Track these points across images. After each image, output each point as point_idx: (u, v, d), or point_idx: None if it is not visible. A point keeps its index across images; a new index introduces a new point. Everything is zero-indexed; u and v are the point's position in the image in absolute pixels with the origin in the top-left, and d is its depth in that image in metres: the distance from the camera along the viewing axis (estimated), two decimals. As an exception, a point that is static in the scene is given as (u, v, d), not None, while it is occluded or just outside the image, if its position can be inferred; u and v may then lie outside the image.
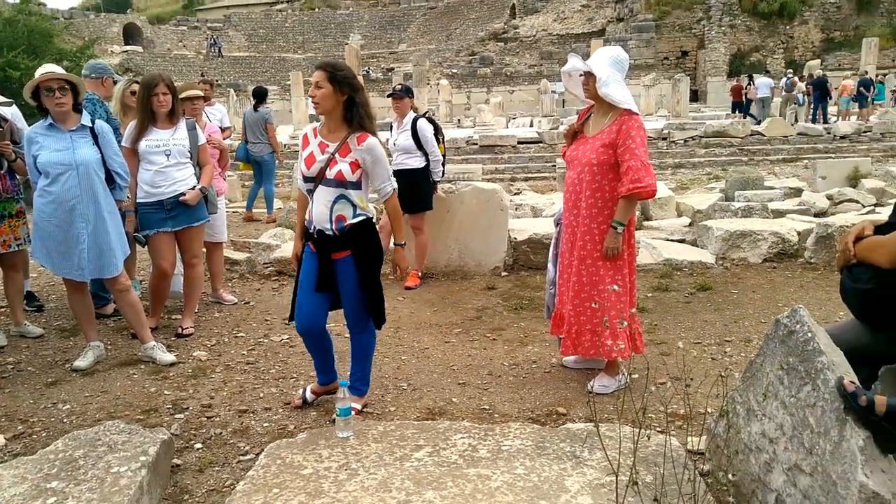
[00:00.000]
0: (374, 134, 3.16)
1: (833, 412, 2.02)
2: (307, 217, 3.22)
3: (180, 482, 2.80)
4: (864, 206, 8.71)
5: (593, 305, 3.46)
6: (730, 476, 2.44)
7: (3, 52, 19.94)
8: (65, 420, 3.38)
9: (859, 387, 2.02)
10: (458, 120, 27.67)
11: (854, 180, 11.08)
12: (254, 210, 9.58)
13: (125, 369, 4.00)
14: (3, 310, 5.02)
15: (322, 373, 3.41)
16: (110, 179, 4.03)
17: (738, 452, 2.42)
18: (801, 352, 2.17)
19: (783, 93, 23.70)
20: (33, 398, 3.64)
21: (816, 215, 7.82)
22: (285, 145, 18.28)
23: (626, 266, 3.50)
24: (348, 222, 3.13)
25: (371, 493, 2.52)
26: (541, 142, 18.39)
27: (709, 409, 2.90)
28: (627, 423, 2.87)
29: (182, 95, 4.87)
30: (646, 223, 8.02)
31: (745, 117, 22.11)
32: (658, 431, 2.96)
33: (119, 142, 4.30)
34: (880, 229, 2.35)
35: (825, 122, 21.44)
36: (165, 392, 3.68)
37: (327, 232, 3.12)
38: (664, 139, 18.37)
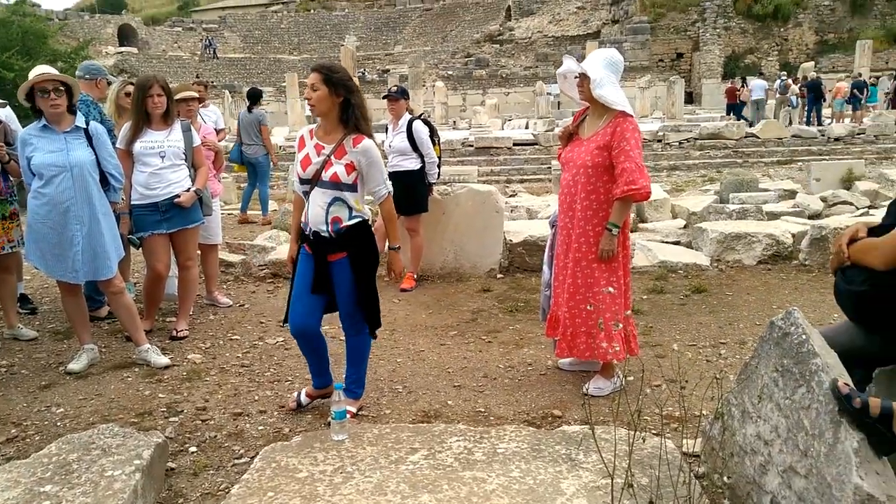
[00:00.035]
0: (370, 136, 3.16)
1: (827, 414, 2.02)
2: (303, 219, 3.22)
3: (175, 486, 2.78)
4: (858, 209, 8.74)
5: (588, 307, 3.46)
6: (725, 478, 2.44)
7: (-3, 53, 19.88)
8: (58, 423, 3.36)
9: (853, 389, 2.02)
10: (454, 122, 27.69)
11: (848, 182, 11.12)
12: (248, 212, 9.56)
13: (119, 372, 3.98)
14: (-4, 312, 5.00)
15: (317, 376, 3.40)
16: (105, 181, 4.02)
17: (733, 455, 2.42)
18: (795, 354, 2.18)
19: (777, 95, 23.80)
20: (27, 401, 3.62)
21: (811, 217, 7.85)
22: (280, 147, 18.27)
23: (620, 268, 3.51)
24: (344, 224, 3.12)
25: (366, 496, 2.51)
26: (536, 144, 18.42)
27: (704, 412, 2.90)
28: (623, 425, 2.87)
29: (177, 97, 4.85)
30: (641, 225, 8.03)
31: (738, 119, 22.19)
32: (653, 434, 2.96)
33: (113, 143, 4.29)
34: (874, 231, 2.36)
35: (819, 124, 21.54)
36: (160, 395, 3.66)
37: (323, 234, 3.12)
38: (659, 141, 18.42)
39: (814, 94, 22.35)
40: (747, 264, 6.05)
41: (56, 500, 2.37)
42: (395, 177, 5.56)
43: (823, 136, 18.57)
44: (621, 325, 3.50)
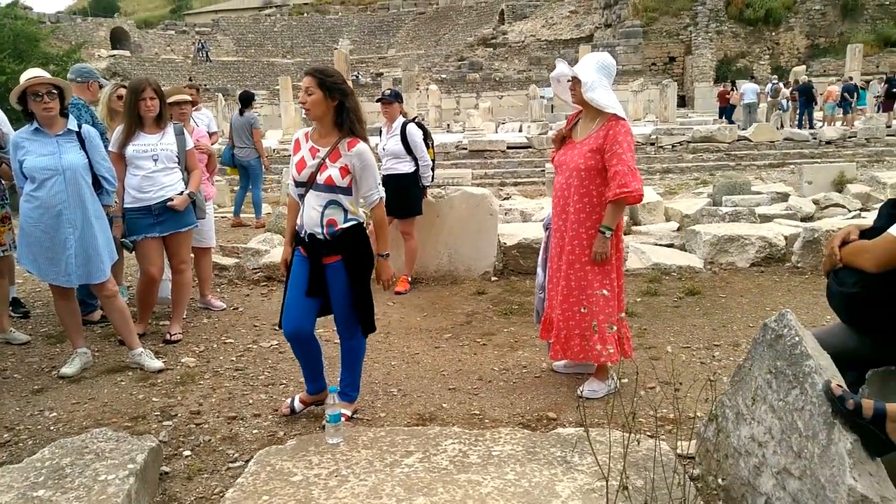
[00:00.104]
0: (364, 139, 3.16)
1: (821, 416, 2.03)
2: (298, 222, 3.22)
3: (169, 490, 2.77)
4: (849, 211, 8.80)
5: (582, 310, 3.47)
6: (720, 480, 2.45)
7: (-11, 56, 19.76)
8: (51, 428, 3.35)
9: (847, 390, 2.03)
10: (448, 125, 27.72)
11: (840, 185, 11.19)
12: (242, 215, 9.54)
13: (112, 376, 3.96)
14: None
15: (310, 381, 3.38)
16: (97, 184, 4.00)
17: (727, 456, 2.43)
18: (788, 356, 2.19)
19: (768, 99, 23.93)
20: (19, 406, 3.60)
21: (803, 220, 7.89)
22: (274, 150, 18.25)
23: (614, 270, 3.52)
24: (339, 227, 3.12)
25: (361, 499, 2.51)
26: (530, 147, 18.47)
27: (698, 414, 2.91)
28: (617, 427, 2.87)
29: (170, 100, 4.84)
30: (634, 228, 8.06)
31: (729, 122, 22.31)
32: (648, 436, 2.97)
33: (106, 146, 4.27)
34: (866, 234, 2.38)
35: (811, 127, 21.66)
36: (153, 399, 3.65)
37: (318, 236, 3.12)
38: (652, 144, 18.49)
39: (805, 98, 22.49)
40: (740, 266, 6.07)
41: (49, 504, 2.36)
42: (389, 180, 5.62)
43: (815, 139, 18.69)
44: (615, 328, 3.51)
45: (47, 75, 3.94)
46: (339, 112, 3.11)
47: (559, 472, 2.66)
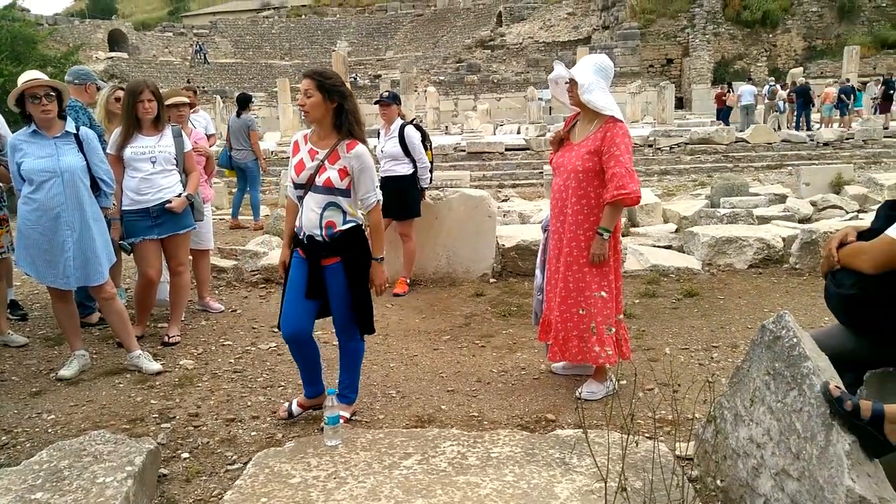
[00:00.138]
0: (363, 141, 3.17)
1: (819, 417, 2.03)
2: (297, 223, 3.22)
3: (167, 492, 2.77)
4: (847, 213, 8.82)
5: (580, 311, 3.47)
6: (718, 481, 2.45)
7: (-14, 58, 19.75)
8: (49, 430, 3.34)
9: (845, 392, 2.04)
10: (446, 127, 27.74)
11: (837, 186, 11.23)
12: (240, 217, 9.54)
13: (111, 378, 3.96)
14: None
15: (308, 384, 3.37)
16: (95, 186, 4.00)
17: (726, 458, 2.43)
18: (787, 357, 2.19)
19: (766, 100, 23.98)
20: (17, 408, 3.59)
21: (801, 221, 7.91)
22: (272, 152, 18.24)
23: (612, 272, 3.52)
24: (338, 229, 3.12)
25: (360, 501, 2.51)
26: (528, 149, 18.48)
27: (696, 415, 2.91)
28: (616, 429, 2.88)
29: (168, 102, 4.84)
30: (632, 229, 8.07)
31: (727, 124, 22.35)
32: (646, 437, 2.97)
33: (104, 149, 4.27)
34: (863, 235, 2.39)
35: (808, 129, 21.71)
36: (152, 401, 3.64)
37: (317, 238, 3.12)
38: (650, 146, 18.52)
39: (803, 100, 22.53)
40: (738, 268, 6.08)
41: (47, 507, 2.35)
42: (387, 182, 5.62)
43: (812, 140, 18.72)
44: (613, 329, 3.51)
45: (45, 77, 3.94)
46: (337, 114, 3.11)
47: (558, 473, 2.66)
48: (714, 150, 18.20)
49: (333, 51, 28.40)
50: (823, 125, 21.86)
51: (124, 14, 60.13)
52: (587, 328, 3.45)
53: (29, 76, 3.90)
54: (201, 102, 8.87)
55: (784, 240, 6.28)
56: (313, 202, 3.12)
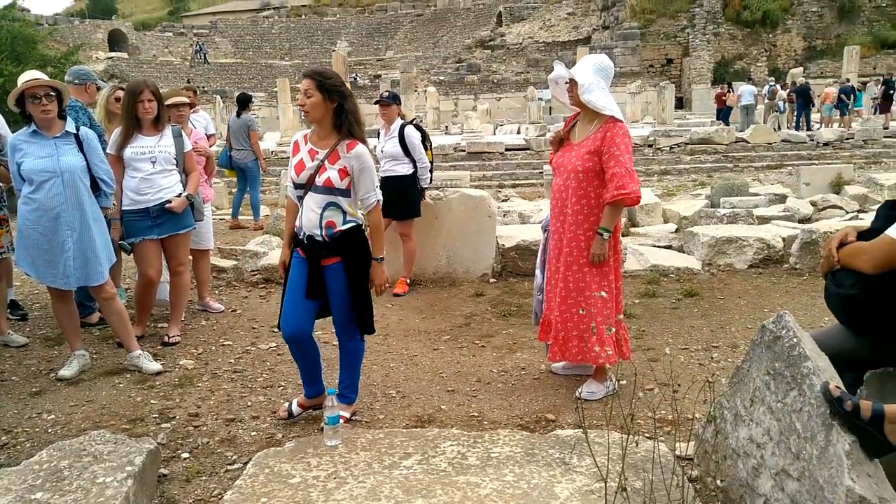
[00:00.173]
0: (363, 141, 3.17)
1: (819, 417, 2.03)
2: (297, 223, 3.21)
3: (167, 492, 2.77)
4: (847, 213, 8.82)
5: (580, 311, 3.47)
6: (718, 481, 2.45)
7: (-14, 58, 19.75)
8: (49, 430, 3.34)
9: (845, 392, 2.04)
10: (446, 127, 27.74)
11: (837, 186, 11.23)
12: (240, 217, 9.54)
13: (111, 378, 3.96)
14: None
15: (308, 385, 3.37)
16: (95, 186, 4.00)
17: (726, 458, 2.43)
18: (786, 357, 2.19)
19: (765, 101, 23.98)
20: (17, 408, 3.59)
21: (801, 221, 7.91)
22: (272, 152, 18.24)
23: (612, 272, 3.52)
24: (338, 229, 3.12)
25: (360, 501, 2.51)
26: (528, 149, 18.48)
27: (696, 415, 2.91)
28: (616, 429, 2.88)
29: (168, 102, 4.84)
30: (632, 229, 8.07)
31: (727, 124, 22.36)
32: (646, 437, 2.97)
33: (104, 149, 4.27)
34: (863, 235, 2.39)
35: (808, 129, 21.70)
36: (152, 401, 3.64)
37: (317, 238, 3.12)
38: (650, 146, 18.52)
39: (803, 100, 22.53)
40: (738, 268, 6.08)
41: (47, 507, 2.35)
42: (387, 182, 5.62)
43: (812, 140, 18.72)
44: (613, 329, 3.51)
45: (45, 77, 3.94)
46: (338, 114, 3.11)
47: (558, 473, 2.66)
48: (714, 150, 18.21)
49: (333, 51, 28.40)
50: (823, 125, 21.86)
51: (124, 14, 60.14)
52: (587, 328, 3.45)
53: (29, 76, 3.90)
54: (201, 102, 8.87)
55: (784, 240, 6.28)
56: (313, 202, 3.12)
